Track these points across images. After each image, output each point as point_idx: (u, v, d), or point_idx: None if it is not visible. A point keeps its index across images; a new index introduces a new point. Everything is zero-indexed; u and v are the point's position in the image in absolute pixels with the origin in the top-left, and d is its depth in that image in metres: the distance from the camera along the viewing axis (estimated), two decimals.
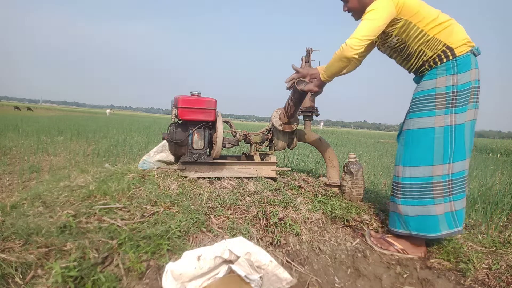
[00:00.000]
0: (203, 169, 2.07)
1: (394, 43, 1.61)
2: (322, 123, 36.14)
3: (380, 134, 31.80)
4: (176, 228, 1.44)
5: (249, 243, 1.21)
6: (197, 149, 2.04)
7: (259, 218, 1.67)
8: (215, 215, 1.63)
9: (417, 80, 1.64)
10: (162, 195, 1.71)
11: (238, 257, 1.14)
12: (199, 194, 1.81)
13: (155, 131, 9.17)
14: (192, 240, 1.44)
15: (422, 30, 1.50)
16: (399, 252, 1.64)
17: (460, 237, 1.85)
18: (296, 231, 1.63)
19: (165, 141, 2.12)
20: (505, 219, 2.26)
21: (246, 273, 1.08)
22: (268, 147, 2.41)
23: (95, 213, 1.51)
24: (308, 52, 2.20)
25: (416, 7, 1.49)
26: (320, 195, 2.06)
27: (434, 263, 1.59)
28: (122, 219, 1.48)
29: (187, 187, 1.87)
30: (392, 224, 1.69)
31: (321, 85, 1.76)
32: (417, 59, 1.58)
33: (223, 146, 2.13)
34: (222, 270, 1.12)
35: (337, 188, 2.18)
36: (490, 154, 9.60)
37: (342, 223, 1.82)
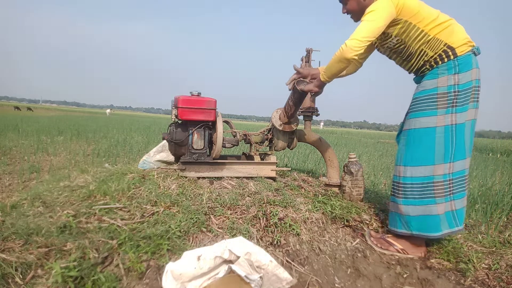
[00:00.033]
0: (203, 169, 2.07)
1: (393, 44, 1.61)
2: (322, 123, 36.15)
3: (380, 134, 31.81)
4: (176, 228, 1.44)
5: (249, 243, 1.21)
6: (197, 149, 2.04)
7: (259, 218, 1.67)
8: (215, 215, 1.63)
9: (418, 80, 1.64)
10: (162, 195, 1.71)
11: (238, 257, 1.14)
12: (199, 194, 1.81)
13: (155, 131, 9.17)
14: (192, 240, 1.44)
15: (422, 31, 1.50)
16: (399, 252, 1.64)
17: (460, 237, 1.85)
18: (296, 231, 1.63)
19: (165, 141, 2.12)
20: (505, 219, 2.26)
21: (246, 273, 1.08)
22: (268, 147, 2.41)
23: (95, 213, 1.51)
24: (308, 52, 2.20)
25: (416, 7, 1.49)
26: (320, 195, 2.06)
27: (434, 263, 1.59)
28: (122, 219, 1.48)
29: (187, 187, 1.87)
30: (393, 224, 1.69)
31: (321, 85, 1.76)
32: (418, 59, 1.58)
33: (223, 146, 2.13)
34: (222, 270, 1.12)
35: (337, 188, 2.18)
36: (490, 154, 9.61)
37: (342, 223, 1.82)
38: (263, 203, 1.79)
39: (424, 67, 1.57)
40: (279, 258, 1.46)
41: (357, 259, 1.59)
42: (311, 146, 2.51)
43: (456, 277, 1.49)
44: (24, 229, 1.35)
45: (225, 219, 1.62)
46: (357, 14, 1.66)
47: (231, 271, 1.09)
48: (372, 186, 3.02)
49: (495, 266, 1.57)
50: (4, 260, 1.18)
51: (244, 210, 1.72)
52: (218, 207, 1.69)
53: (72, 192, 1.77)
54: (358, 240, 1.73)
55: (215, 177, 2.07)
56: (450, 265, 1.58)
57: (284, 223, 1.65)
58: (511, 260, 1.61)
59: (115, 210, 1.56)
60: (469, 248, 1.73)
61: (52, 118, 14.51)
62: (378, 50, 1.77)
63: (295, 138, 2.33)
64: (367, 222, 1.88)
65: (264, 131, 2.37)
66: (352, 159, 2.09)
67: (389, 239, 1.69)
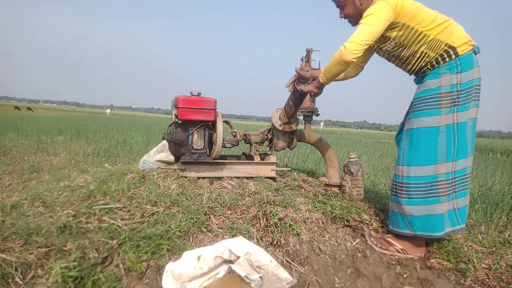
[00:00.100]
0: (203, 169, 2.07)
1: (392, 47, 1.61)
2: (322, 123, 36.16)
3: (380, 134, 31.81)
4: (176, 228, 1.44)
5: (249, 243, 1.21)
6: (197, 149, 2.04)
7: (259, 218, 1.67)
8: (215, 215, 1.63)
9: (419, 81, 1.64)
10: (162, 195, 1.71)
11: (238, 257, 1.14)
12: (199, 194, 1.81)
13: (155, 131, 9.17)
14: (192, 240, 1.44)
15: (421, 32, 1.51)
16: (399, 252, 1.64)
17: (460, 237, 1.85)
18: (296, 231, 1.63)
19: (165, 141, 2.12)
20: (505, 219, 2.26)
21: (246, 273, 1.08)
22: (268, 147, 2.41)
23: (95, 213, 1.51)
24: (308, 52, 2.20)
25: (414, 10, 1.50)
26: (320, 195, 2.06)
27: (434, 263, 1.59)
28: (122, 219, 1.48)
29: (187, 187, 1.87)
30: (396, 224, 1.67)
31: (320, 86, 1.76)
32: (418, 61, 1.58)
33: (223, 146, 2.13)
34: (222, 270, 1.12)
35: (337, 188, 2.19)
36: (490, 154, 9.61)
37: (342, 223, 1.82)
38: (263, 203, 1.79)
39: (425, 68, 1.57)
40: (279, 258, 1.46)
41: (357, 259, 1.59)
42: (311, 146, 2.52)
43: (456, 277, 1.49)
44: (24, 229, 1.35)
45: (225, 219, 1.62)
46: (354, 19, 1.67)
47: (231, 271, 1.09)
48: (372, 186, 3.02)
49: (495, 266, 1.57)
50: (4, 260, 1.18)
51: (244, 210, 1.72)
52: (218, 207, 1.69)
53: (72, 192, 1.77)
54: (358, 240, 1.73)
55: (215, 177, 2.07)
56: (450, 265, 1.57)
57: (284, 223, 1.65)
58: (511, 260, 1.61)
59: (115, 210, 1.56)
60: (469, 248, 1.73)
61: (52, 118, 14.51)
62: (377, 53, 1.77)
63: (295, 138, 2.33)
64: (367, 222, 1.88)
65: (264, 131, 2.37)
66: (352, 159, 2.09)
67: (389, 239, 1.69)
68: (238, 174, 2.13)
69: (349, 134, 24.35)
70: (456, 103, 1.49)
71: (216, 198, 1.78)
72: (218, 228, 1.55)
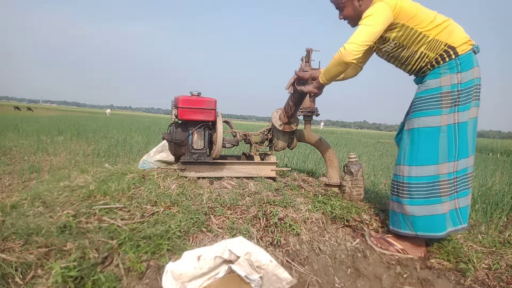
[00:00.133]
0: (203, 169, 2.07)
1: (391, 48, 1.61)
2: (322, 123, 36.16)
3: (380, 134, 31.81)
4: (176, 228, 1.44)
5: (249, 243, 1.21)
6: (197, 149, 2.04)
7: (259, 218, 1.67)
8: (215, 215, 1.63)
9: (419, 81, 1.64)
10: (162, 195, 1.71)
11: (238, 257, 1.14)
12: (199, 194, 1.81)
13: (155, 131, 9.17)
14: (192, 240, 1.44)
15: (421, 33, 1.51)
16: (399, 252, 1.64)
17: (460, 237, 1.85)
18: (296, 231, 1.63)
19: (165, 141, 2.12)
20: (505, 219, 2.26)
21: (246, 273, 1.08)
22: (268, 147, 2.41)
23: (95, 213, 1.51)
24: (308, 52, 2.20)
25: (413, 10, 1.50)
26: (320, 195, 2.06)
27: (434, 263, 1.59)
28: (122, 219, 1.48)
29: (187, 187, 1.87)
30: (397, 224, 1.67)
31: (320, 87, 1.77)
32: (418, 61, 1.58)
33: (223, 146, 2.13)
34: (222, 270, 1.12)
35: (337, 188, 2.19)
36: (490, 154, 9.61)
37: (342, 223, 1.82)
38: (263, 203, 1.79)
39: (425, 68, 1.57)
40: (279, 258, 1.46)
41: (357, 259, 1.59)
42: (311, 146, 2.52)
43: (456, 277, 1.49)
44: (24, 229, 1.35)
45: (225, 219, 1.62)
46: (354, 20, 1.67)
47: (231, 271, 1.09)
48: (372, 186, 3.02)
49: (495, 266, 1.57)
50: (4, 260, 1.18)
51: (244, 210, 1.72)
52: (218, 207, 1.69)
53: (72, 192, 1.77)
54: (358, 240, 1.73)
55: (215, 177, 2.07)
56: (450, 265, 1.57)
57: (284, 223, 1.65)
58: (511, 260, 1.61)
59: (115, 210, 1.56)
60: (469, 248, 1.74)
61: (52, 118, 14.52)
62: (376, 53, 1.77)
63: (295, 138, 2.33)
64: (367, 222, 1.88)
65: (264, 131, 2.37)
66: (352, 159, 2.09)
67: (389, 239, 1.69)
68: (238, 174, 2.13)
69: (349, 134, 24.35)
70: (457, 103, 1.49)
71: (216, 198, 1.78)
72: (218, 228, 1.55)
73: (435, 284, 1.44)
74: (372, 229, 1.83)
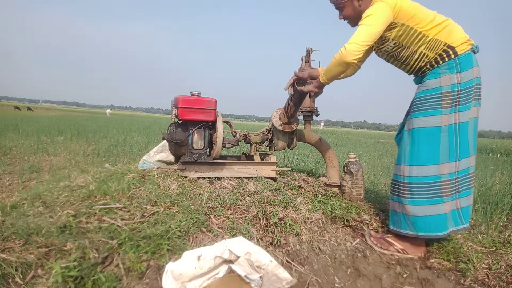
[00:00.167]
0: (203, 169, 2.07)
1: (391, 47, 1.61)
2: (322, 123, 36.16)
3: (380, 134, 31.81)
4: (176, 228, 1.44)
5: (249, 243, 1.21)
6: (197, 149, 2.04)
7: (259, 218, 1.67)
8: (215, 215, 1.63)
9: (419, 81, 1.64)
10: (162, 195, 1.71)
11: (238, 257, 1.14)
12: (199, 194, 1.81)
13: (155, 131, 9.17)
14: (192, 240, 1.44)
15: (420, 32, 1.51)
16: (399, 252, 1.64)
17: (460, 237, 1.85)
18: (296, 231, 1.63)
19: (165, 141, 2.12)
20: (505, 219, 2.26)
21: (246, 273, 1.08)
22: (268, 147, 2.41)
23: (95, 213, 1.51)
24: (308, 52, 2.20)
25: (412, 10, 1.50)
26: (320, 195, 2.06)
27: (434, 263, 1.59)
28: (122, 219, 1.48)
29: (187, 187, 1.87)
30: (397, 224, 1.66)
31: (321, 86, 1.77)
32: (417, 61, 1.58)
33: (223, 146, 2.13)
34: (222, 270, 1.12)
35: (337, 188, 2.19)
36: (490, 154, 9.61)
37: (342, 223, 1.82)
38: (263, 203, 1.79)
39: (425, 68, 1.57)
40: (279, 258, 1.46)
41: (357, 259, 1.59)
42: (311, 146, 2.52)
43: (456, 277, 1.49)
44: (24, 229, 1.35)
45: (225, 219, 1.62)
46: (354, 20, 1.67)
47: (231, 271, 1.09)
48: (372, 186, 3.02)
49: (495, 266, 1.57)
50: (4, 260, 1.18)
51: (244, 210, 1.72)
52: (218, 207, 1.69)
53: (72, 192, 1.77)
54: (358, 240, 1.73)
55: (215, 177, 2.07)
56: (450, 265, 1.58)
57: (284, 223, 1.65)
58: (511, 260, 1.61)
59: (115, 210, 1.56)
60: (469, 248, 1.74)
61: (52, 118, 14.51)
62: (376, 53, 1.77)
63: (295, 138, 2.33)
64: (367, 222, 1.88)
65: (264, 131, 2.37)
66: (352, 159, 2.09)
67: (389, 239, 1.69)
68: (238, 174, 2.13)
69: (349, 134, 24.35)
70: (457, 103, 1.49)
71: (216, 198, 1.78)
72: (218, 228, 1.55)
73: (435, 284, 1.44)
74: (372, 229, 1.83)
